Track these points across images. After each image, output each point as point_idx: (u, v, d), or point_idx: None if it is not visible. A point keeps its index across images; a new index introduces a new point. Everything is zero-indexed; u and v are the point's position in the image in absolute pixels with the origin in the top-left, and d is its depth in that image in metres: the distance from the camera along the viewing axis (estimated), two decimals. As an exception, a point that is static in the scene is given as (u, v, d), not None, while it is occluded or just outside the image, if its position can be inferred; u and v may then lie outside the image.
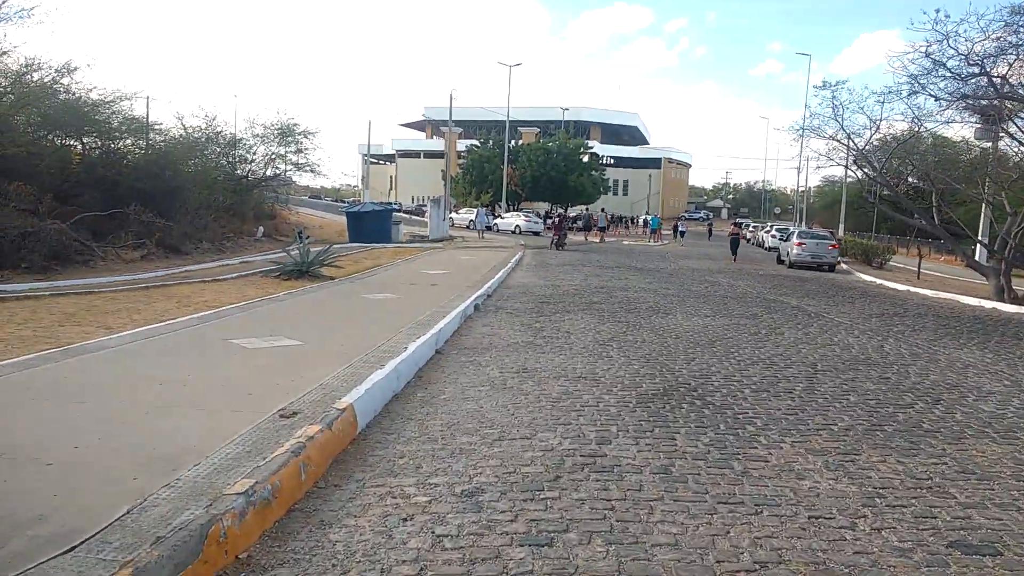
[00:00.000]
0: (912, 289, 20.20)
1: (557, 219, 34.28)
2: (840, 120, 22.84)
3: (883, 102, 22.10)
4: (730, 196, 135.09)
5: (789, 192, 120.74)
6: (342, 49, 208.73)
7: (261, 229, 34.26)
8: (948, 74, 15.29)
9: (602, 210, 52.39)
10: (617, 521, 3.79)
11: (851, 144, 23.50)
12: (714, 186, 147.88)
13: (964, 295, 18.73)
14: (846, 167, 48.27)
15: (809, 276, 23.71)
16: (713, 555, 3.40)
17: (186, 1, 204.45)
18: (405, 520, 3.80)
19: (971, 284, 24.35)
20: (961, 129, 23.88)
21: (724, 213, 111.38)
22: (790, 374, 7.61)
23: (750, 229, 60.35)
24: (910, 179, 37.33)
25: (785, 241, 29.12)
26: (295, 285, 14.33)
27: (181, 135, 32.59)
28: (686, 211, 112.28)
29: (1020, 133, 19.59)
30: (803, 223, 63.49)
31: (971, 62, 14.49)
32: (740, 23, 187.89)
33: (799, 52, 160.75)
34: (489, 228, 50.03)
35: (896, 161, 24.00)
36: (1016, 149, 21.63)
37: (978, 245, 25.43)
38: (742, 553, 3.43)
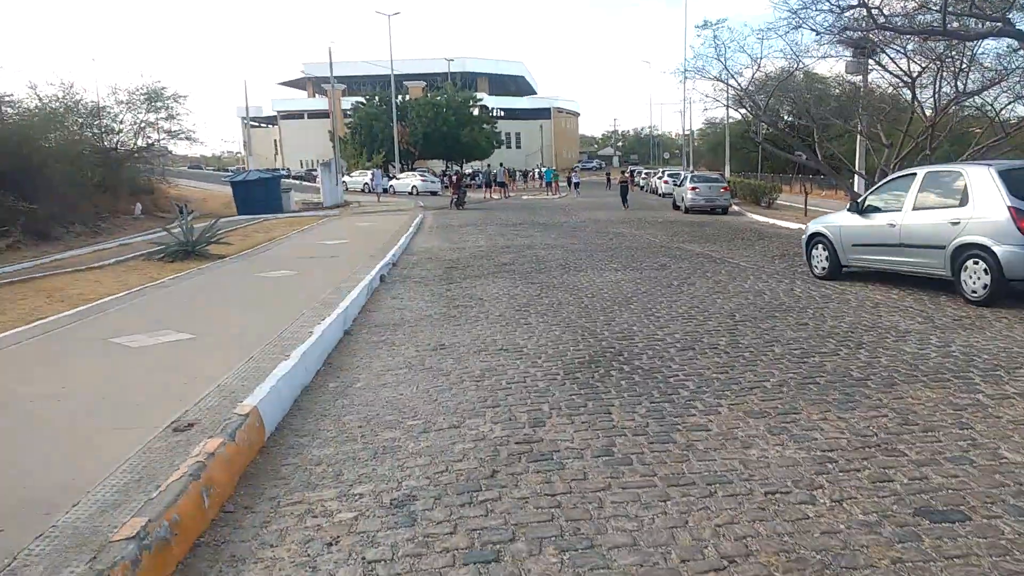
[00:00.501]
0: (803, 227, 20.84)
1: (455, 177, 33.61)
2: (723, 60, 23.08)
3: (763, 39, 22.47)
4: (619, 143, 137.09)
5: (675, 136, 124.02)
6: (210, 4, 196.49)
7: (139, 206, 32.03)
8: (828, 5, 15.52)
9: (500, 164, 51.91)
10: (567, 521, 3.46)
11: (734, 84, 23.82)
12: (603, 134, 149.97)
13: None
14: (727, 107, 49.61)
15: (705, 220, 24.13)
16: (676, 553, 3.13)
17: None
18: (330, 545, 3.36)
19: (855, 218, 25.42)
20: (835, 64, 24.59)
21: (615, 161, 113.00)
22: (711, 328, 7.50)
23: (643, 176, 61.10)
24: (786, 116, 38.76)
25: (679, 187, 29.54)
26: (181, 267, 13.30)
27: (37, 107, 29.84)
28: (579, 161, 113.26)
29: (892, 64, 20.31)
30: (691, 166, 65.05)
31: None
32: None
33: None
34: (385, 190, 48.77)
35: (774, 99, 24.47)
36: (889, 80, 22.45)
37: (856, 177, 26.65)
38: (706, 547, 3.17)
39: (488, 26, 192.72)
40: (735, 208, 28.38)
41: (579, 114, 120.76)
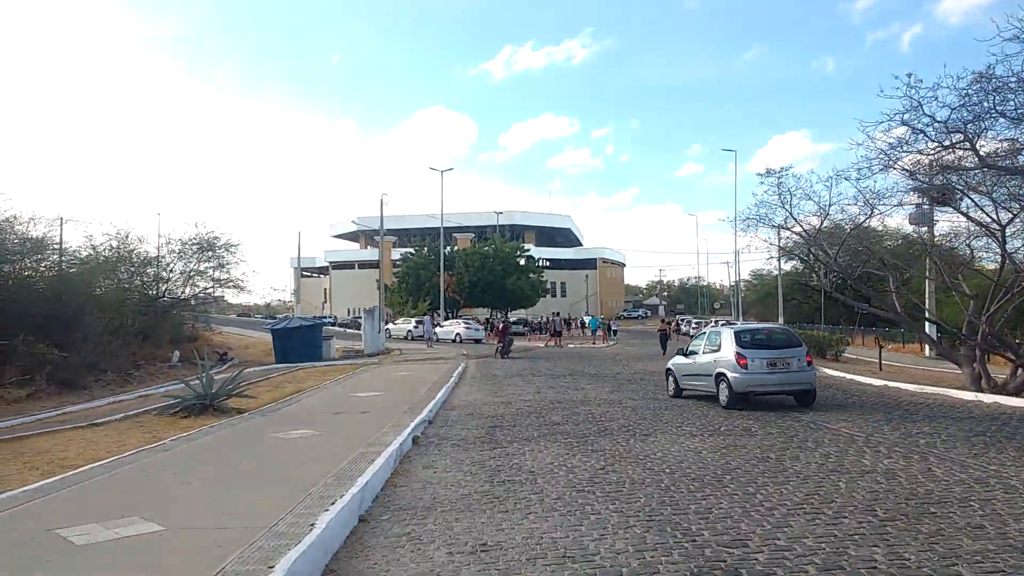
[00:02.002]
0: (889, 384, 18.67)
1: (501, 325, 32.34)
2: (788, 207, 21.80)
3: (830, 187, 21.11)
4: (665, 293, 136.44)
5: (719, 286, 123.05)
6: (272, 162, 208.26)
7: (177, 354, 31.20)
8: (927, 145, 14.03)
9: (557, 314, 51.41)
10: None
11: (798, 231, 22.40)
12: (648, 284, 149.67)
13: (944, 387, 17.28)
14: (779, 257, 48.16)
15: (774, 373, 22.10)
16: None
17: (111, 121, 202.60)
18: None
19: (936, 373, 23.22)
20: (883, 218, 22.93)
21: (661, 310, 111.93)
22: (850, 529, 5.53)
23: (693, 325, 59.43)
24: (835, 267, 36.79)
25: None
26: (193, 424, 11.80)
27: (89, 255, 29.95)
28: (624, 310, 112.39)
29: (975, 210, 18.74)
30: (740, 317, 63.11)
31: (951, 129, 13.28)
32: (660, 130, 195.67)
33: (724, 149, 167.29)
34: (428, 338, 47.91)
35: (831, 249, 22.80)
36: (967, 228, 20.86)
37: (928, 324, 24.70)
38: None
39: (537, 183, 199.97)
40: (802, 360, 26.22)
41: (624, 264, 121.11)
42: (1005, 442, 9.17)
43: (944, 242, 22.26)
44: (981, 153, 13.99)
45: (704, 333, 16.33)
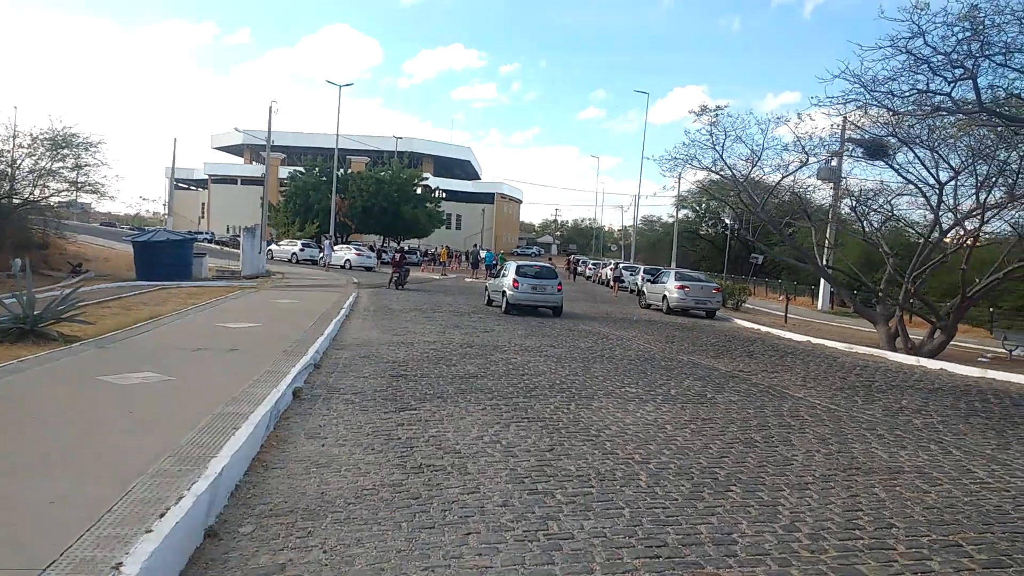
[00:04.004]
0: (812, 340, 17.75)
1: (398, 255, 29.79)
2: (720, 149, 20.35)
3: (765, 131, 19.85)
4: (559, 232, 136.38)
5: (608, 229, 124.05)
6: (151, 62, 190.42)
7: (18, 261, 26.86)
8: (924, 76, 12.37)
9: (475, 246, 49.93)
10: None
11: (731, 174, 21.05)
12: (543, 222, 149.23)
13: (868, 346, 16.50)
14: (676, 205, 47.42)
15: (692, 323, 20.90)
16: None
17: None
18: None
19: (841, 329, 22.86)
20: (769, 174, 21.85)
21: (554, 249, 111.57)
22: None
23: (589, 266, 58.51)
24: (727, 220, 36.20)
25: (655, 283, 26.15)
26: (1, 356, 8.98)
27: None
28: (518, 246, 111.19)
29: (915, 165, 17.83)
30: (631, 259, 63.03)
31: (954, 63, 11.70)
32: (567, 72, 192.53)
33: (637, 90, 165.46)
34: (314, 262, 44.80)
35: (760, 196, 21.60)
36: (893, 184, 20.11)
37: (822, 281, 24.27)
38: None
39: (440, 112, 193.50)
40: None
41: (521, 201, 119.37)
42: (1015, 427, 7.87)
43: (869, 198, 21.49)
44: (964, 99, 12.55)
45: (505, 262, 24.71)
